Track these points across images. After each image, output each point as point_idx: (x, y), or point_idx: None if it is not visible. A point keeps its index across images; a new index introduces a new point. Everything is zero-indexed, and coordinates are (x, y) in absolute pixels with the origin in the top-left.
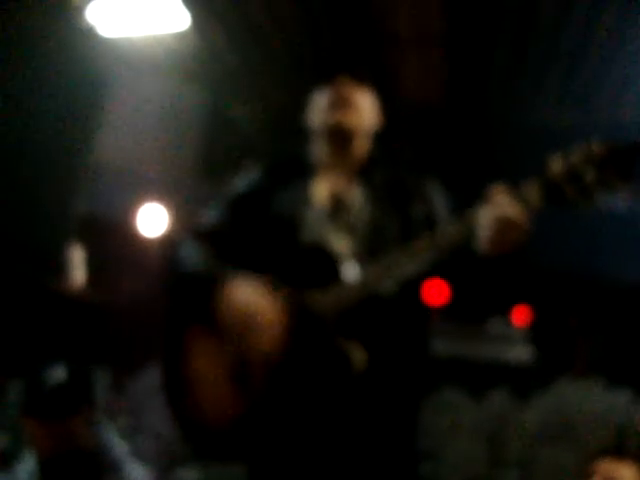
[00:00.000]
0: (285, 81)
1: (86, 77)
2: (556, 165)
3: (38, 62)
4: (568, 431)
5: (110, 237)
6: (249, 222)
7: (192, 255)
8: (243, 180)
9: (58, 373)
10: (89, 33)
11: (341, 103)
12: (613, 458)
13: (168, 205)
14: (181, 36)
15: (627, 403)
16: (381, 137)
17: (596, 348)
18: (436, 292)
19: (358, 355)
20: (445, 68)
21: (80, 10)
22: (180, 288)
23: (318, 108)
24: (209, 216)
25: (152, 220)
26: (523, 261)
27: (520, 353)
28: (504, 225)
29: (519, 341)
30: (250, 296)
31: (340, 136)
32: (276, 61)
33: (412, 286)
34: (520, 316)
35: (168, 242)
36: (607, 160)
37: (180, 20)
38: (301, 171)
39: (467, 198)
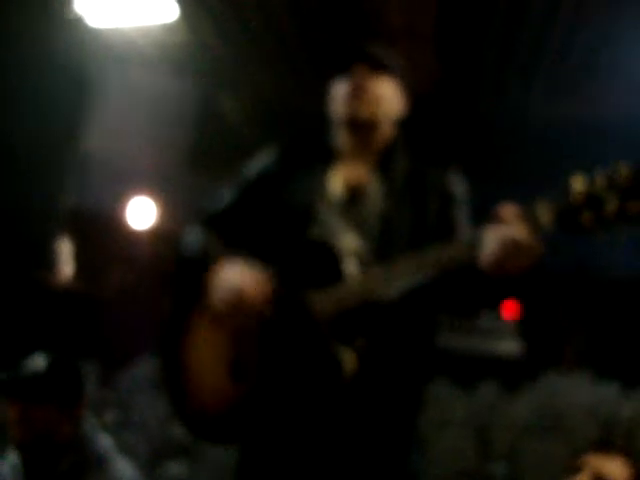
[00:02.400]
0: (274, 73)
1: (73, 68)
2: (576, 187)
3: (25, 52)
4: (557, 424)
5: (98, 230)
6: (260, 207)
7: (194, 241)
8: (258, 162)
9: (38, 360)
10: (77, 23)
11: (357, 94)
12: (601, 452)
13: (156, 197)
14: (170, 27)
15: (615, 396)
16: (404, 125)
17: (584, 341)
18: None
19: (349, 360)
20: (435, 63)
21: (68, 0)
22: (181, 274)
23: (337, 98)
24: (220, 198)
25: (141, 212)
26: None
27: (509, 346)
28: (510, 247)
29: (508, 334)
30: (236, 275)
31: (357, 127)
32: (265, 53)
33: (416, 296)
34: (509, 309)
35: (164, 233)
36: (632, 189)
37: (169, 11)
38: (321, 155)
39: None
